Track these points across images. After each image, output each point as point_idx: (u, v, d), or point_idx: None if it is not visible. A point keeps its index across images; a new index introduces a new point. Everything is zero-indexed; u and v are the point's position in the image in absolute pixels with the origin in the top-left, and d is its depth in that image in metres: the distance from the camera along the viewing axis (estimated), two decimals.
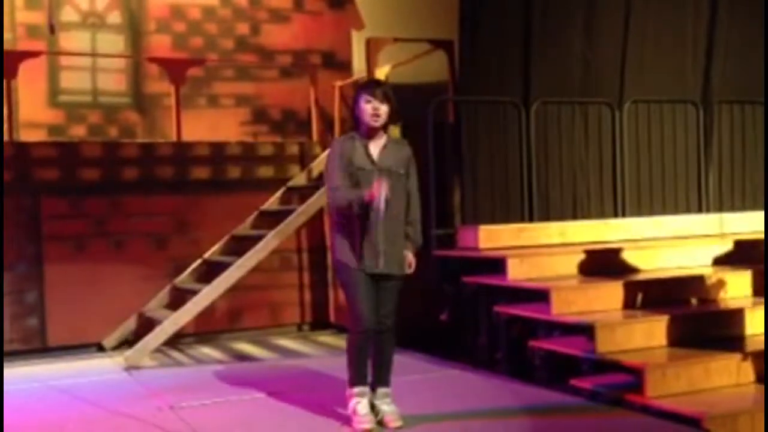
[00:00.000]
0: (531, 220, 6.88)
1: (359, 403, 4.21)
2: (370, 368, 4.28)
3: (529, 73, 7.13)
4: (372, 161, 4.13)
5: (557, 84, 7.20)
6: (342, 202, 4.10)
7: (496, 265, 5.92)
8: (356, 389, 4.22)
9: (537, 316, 5.37)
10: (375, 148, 4.16)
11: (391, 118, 4.18)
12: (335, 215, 4.24)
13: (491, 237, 6.34)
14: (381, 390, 4.27)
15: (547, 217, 6.99)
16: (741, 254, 6.16)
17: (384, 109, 4.12)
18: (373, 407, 4.23)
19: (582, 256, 5.95)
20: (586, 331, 4.95)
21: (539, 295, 5.46)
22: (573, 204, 7.25)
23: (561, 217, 7.02)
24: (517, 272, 5.77)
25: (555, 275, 5.81)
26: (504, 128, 6.98)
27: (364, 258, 4.13)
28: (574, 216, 7.14)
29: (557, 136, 7.17)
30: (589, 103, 7.28)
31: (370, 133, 4.15)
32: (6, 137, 6.71)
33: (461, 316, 6.34)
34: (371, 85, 4.27)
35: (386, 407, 4.23)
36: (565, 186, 7.21)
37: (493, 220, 6.72)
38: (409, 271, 4.29)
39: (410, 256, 4.28)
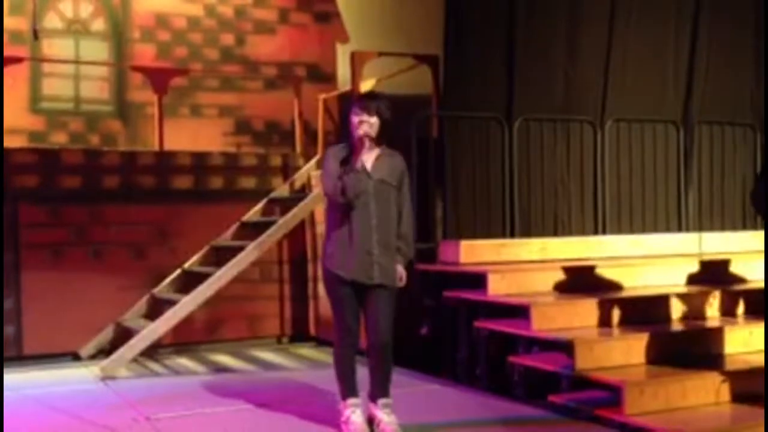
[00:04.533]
0: (512, 235, 6.91)
1: (354, 413, 4.20)
2: (369, 381, 4.26)
3: (513, 89, 7.17)
4: (366, 172, 4.16)
5: (540, 101, 7.24)
6: (335, 183, 4.12)
7: (477, 280, 5.93)
8: (350, 401, 4.22)
9: (517, 332, 5.38)
10: (368, 159, 4.19)
11: (384, 132, 4.17)
12: (331, 221, 4.26)
13: (472, 252, 6.35)
14: (381, 401, 4.25)
15: (528, 233, 7.01)
16: (718, 274, 6.22)
17: (372, 121, 4.13)
18: (371, 420, 4.22)
19: (562, 273, 5.97)
20: (565, 347, 4.96)
21: (519, 311, 5.47)
22: (554, 220, 7.28)
23: (542, 233, 7.05)
24: (497, 287, 5.78)
25: (535, 291, 5.83)
26: (487, 144, 7.01)
27: (356, 268, 4.12)
28: (555, 233, 7.17)
29: (539, 152, 7.21)
30: (571, 121, 7.33)
31: (359, 145, 4.16)
32: None
33: (441, 331, 6.33)
34: (362, 98, 4.32)
35: (386, 417, 4.22)
36: (546, 202, 7.24)
37: (475, 235, 6.73)
38: (401, 284, 4.29)
39: (401, 269, 4.29)
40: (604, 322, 5.40)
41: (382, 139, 4.20)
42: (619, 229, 7.35)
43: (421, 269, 6.51)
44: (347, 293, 4.17)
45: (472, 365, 5.91)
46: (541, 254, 6.55)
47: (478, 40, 7.09)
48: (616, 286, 5.97)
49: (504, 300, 5.66)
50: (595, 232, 7.25)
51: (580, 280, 5.94)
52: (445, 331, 6.28)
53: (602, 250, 6.75)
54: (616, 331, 5.30)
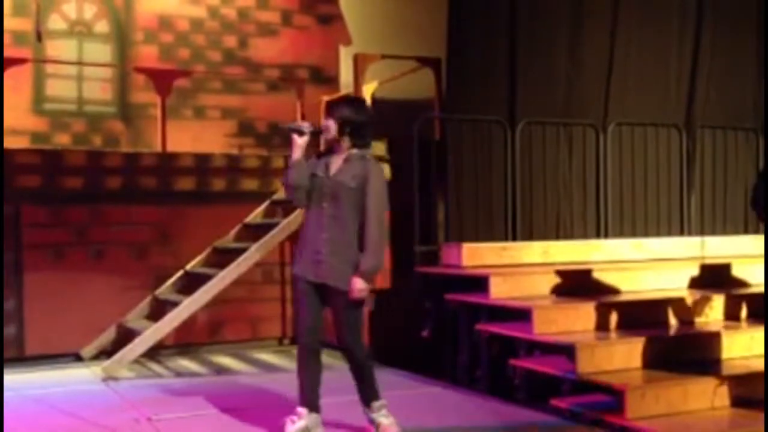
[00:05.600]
0: (514, 238, 6.91)
1: (290, 423, 4.15)
2: (354, 386, 4.25)
3: (515, 92, 7.18)
4: (326, 172, 4.15)
5: (542, 104, 7.25)
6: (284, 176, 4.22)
7: (479, 283, 5.93)
8: (298, 408, 4.19)
9: (518, 335, 5.38)
10: (335, 161, 4.17)
11: (342, 132, 4.11)
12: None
13: (474, 255, 6.35)
14: (375, 403, 4.24)
15: (530, 236, 7.02)
16: (719, 278, 6.21)
17: (329, 124, 4.15)
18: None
19: (564, 276, 5.97)
20: (566, 351, 4.96)
21: (520, 314, 5.47)
22: (556, 224, 7.29)
23: (544, 236, 7.05)
24: (499, 291, 5.78)
25: (537, 294, 5.83)
26: (489, 147, 7.02)
27: (306, 266, 4.15)
28: (557, 236, 7.17)
29: (541, 155, 7.21)
30: (573, 125, 7.34)
31: (327, 148, 4.22)
32: None
33: (442, 334, 6.34)
34: (327, 103, 4.33)
35: (383, 419, 4.22)
36: (548, 206, 7.24)
37: (477, 237, 6.74)
38: (354, 296, 4.06)
39: (357, 282, 4.04)
40: (606, 325, 5.40)
41: (356, 141, 4.13)
42: (621, 233, 7.36)
43: (422, 272, 6.52)
44: (305, 291, 4.16)
45: (473, 368, 5.91)
46: (543, 257, 6.55)
47: (480, 43, 7.10)
48: (617, 290, 5.97)
49: (506, 303, 5.66)
50: (597, 236, 7.25)
51: (581, 284, 5.94)
52: (446, 334, 6.29)
53: (604, 253, 6.75)
54: (617, 334, 5.30)
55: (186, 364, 6.69)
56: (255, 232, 7.02)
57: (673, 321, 5.57)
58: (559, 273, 5.98)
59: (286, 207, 7.35)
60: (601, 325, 5.40)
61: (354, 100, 4.31)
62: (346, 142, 4.14)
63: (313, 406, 4.21)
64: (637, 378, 4.78)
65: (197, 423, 4.61)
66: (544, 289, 5.91)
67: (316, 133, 4.24)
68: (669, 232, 7.54)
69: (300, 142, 4.17)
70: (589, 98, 7.48)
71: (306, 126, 4.24)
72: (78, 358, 6.72)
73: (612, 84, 7.52)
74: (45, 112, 7.60)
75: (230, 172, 7.43)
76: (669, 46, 7.80)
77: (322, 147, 4.37)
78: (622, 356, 4.97)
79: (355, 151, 4.16)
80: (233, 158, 7.55)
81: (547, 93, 7.30)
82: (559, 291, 5.90)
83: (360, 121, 4.15)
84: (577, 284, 5.92)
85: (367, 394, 4.25)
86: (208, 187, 7.30)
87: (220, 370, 6.43)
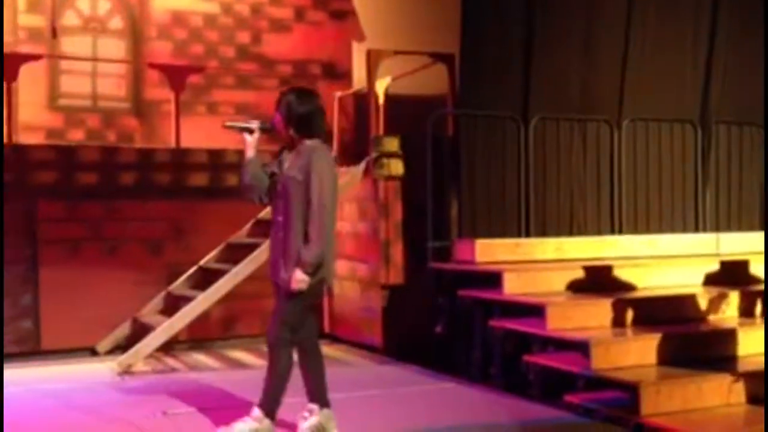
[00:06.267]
0: (528, 235, 6.89)
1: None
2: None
3: (529, 88, 7.15)
4: (281, 169, 4.08)
5: (556, 100, 7.22)
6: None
7: (492, 279, 5.92)
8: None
9: (533, 331, 5.37)
10: (288, 156, 4.09)
11: (288, 124, 4.01)
12: None
13: (488, 251, 6.34)
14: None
15: (543, 232, 6.99)
16: (734, 275, 6.18)
17: (276, 118, 4.08)
18: None
19: (578, 273, 5.95)
20: (581, 347, 4.94)
21: (534, 310, 5.46)
22: (570, 220, 7.26)
23: (558, 233, 7.03)
24: (513, 287, 5.77)
25: (550, 291, 5.82)
26: (503, 142, 6.99)
27: (270, 268, 4.11)
28: (571, 232, 7.14)
29: (555, 151, 7.19)
30: (587, 120, 7.31)
31: (287, 144, 4.11)
32: (5, 139, 6.71)
33: (456, 330, 6.33)
34: None
35: (302, 423, 4.12)
36: (562, 202, 7.21)
37: (490, 234, 6.72)
38: (293, 286, 3.93)
39: (295, 273, 3.92)
40: (620, 322, 5.38)
41: (304, 132, 4.01)
42: (635, 229, 7.32)
43: (435, 268, 6.52)
44: (274, 292, 4.11)
45: (487, 364, 5.90)
46: (556, 254, 6.54)
47: (494, 38, 7.07)
48: (631, 287, 5.95)
49: (520, 299, 5.65)
50: (612, 232, 7.22)
51: (595, 280, 5.92)
52: (460, 330, 6.28)
53: (618, 249, 6.73)
54: (632, 331, 5.28)
55: (200, 358, 6.72)
56: (268, 228, 7.02)
57: (688, 318, 5.54)
58: (573, 269, 5.96)
59: None
60: (616, 322, 5.38)
61: (298, 91, 4.12)
62: (295, 134, 4.03)
63: (265, 405, 4.10)
64: (651, 374, 4.76)
65: (211, 417, 4.62)
66: (558, 285, 5.89)
67: (266, 129, 4.14)
68: (684, 229, 7.50)
69: (250, 140, 4.09)
70: (604, 93, 7.43)
71: (254, 123, 4.15)
72: (93, 352, 6.77)
73: (626, 79, 7.47)
74: (60, 108, 7.64)
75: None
76: (684, 41, 7.75)
77: None
78: (636, 353, 4.95)
79: (307, 142, 4.03)
80: None
81: (561, 88, 7.26)
82: (573, 287, 5.88)
83: (305, 111, 4.01)
84: (591, 280, 5.90)
85: (309, 392, 4.16)
86: (222, 182, 7.32)
87: (234, 364, 6.46)
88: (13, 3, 7.43)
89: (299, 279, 3.93)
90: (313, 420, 4.16)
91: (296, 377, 4.18)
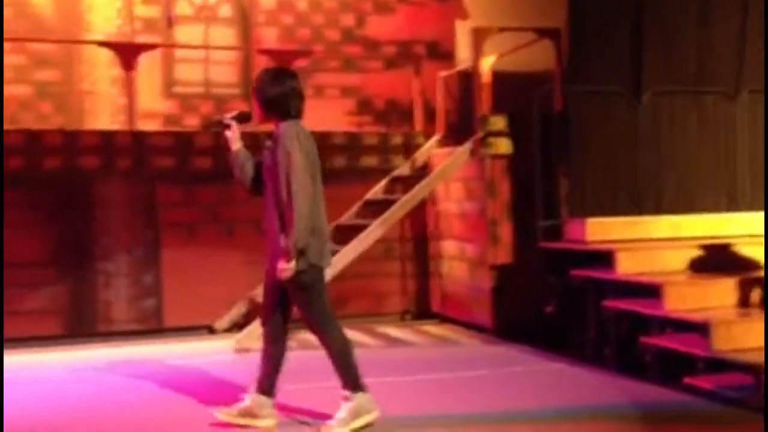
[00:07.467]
0: (640, 213, 6.71)
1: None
2: None
3: (641, 62, 6.92)
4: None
5: (670, 72, 6.97)
6: None
7: (603, 258, 5.81)
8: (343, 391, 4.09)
9: (649, 312, 5.24)
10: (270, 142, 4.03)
11: (263, 107, 3.96)
12: None
13: (599, 230, 6.22)
14: (252, 392, 4.20)
15: (658, 210, 6.79)
16: None
17: (255, 103, 4.01)
18: None
19: (694, 251, 5.77)
20: (700, 328, 4.79)
21: (648, 291, 5.32)
22: (685, 197, 7.02)
23: (673, 210, 6.81)
24: (626, 266, 5.64)
25: (666, 270, 5.66)
26: (614, 118, 6.82)
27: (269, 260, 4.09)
28: (687, 210, 6.90)
29: (669, 126, 6.95)
30: (704, 93, 7.02)
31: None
32: (126, 126, 7.03)
33: (567, 310, 6.25)
34: None
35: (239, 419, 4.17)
36: (677, 178, 6.98)
37: (601, 212, 6.58)
38: (280, 276, 3.90)
39: (280, 263, 3.87)
40: (742, 302, 5.20)
41: (280, 114, 3.93)
42: (754, 206, 7.00)
43: (545, 247, 6.44)
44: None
45: (600, 345, 5.81)
46: (671, 232, 6.34)
47: (602, 11, 6.89)
48: (753, 265, 5.71)
49: (635, 279, 5.52)
50: (730, 209, 6.94)
51: (713, 259, 5.72)
52: (572, 310, 6.20)
53: (737, 227, 6.47)
54: (755, 311, 5.07)
55: (311, 337, 6.86)
56: (376, 209, 7.11)
57: None
58: (689, 248, 5.77)
59: (405, 183, 7.41)
60: (737, 302, 5.19)
61: (269, 72, 4.04)
62: (273, 117, 3.95)
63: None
64: None
65: (320, 394, 4.73)
66: (674, 264, 5.73)
67: (242, 119, 4.09)
68: None
69: (230, 134, 4.06)
70: (721, 64, 7.12)
71: (227, 117, 4.10)
72: (211, 330, 7.05)
73: (745, 47, 7.13)
74: (175, 95, 7.92)
75: (350, 149, 7.54)
76: None
77: None
78: (759, 334, 4.74)
79: (281, 125, 3.92)
80: (353, 136, 7.65)
81: (675, 60, 7.00)
82: (691, 266, 5.70)
83: (276, 93, 3.92)
84: (709, 259, 5.71)
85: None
86: (329, 164, 7.41)
87: None
88: None
89: (281, 267, 3.86)
90: (246, 401, 4.16)
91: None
